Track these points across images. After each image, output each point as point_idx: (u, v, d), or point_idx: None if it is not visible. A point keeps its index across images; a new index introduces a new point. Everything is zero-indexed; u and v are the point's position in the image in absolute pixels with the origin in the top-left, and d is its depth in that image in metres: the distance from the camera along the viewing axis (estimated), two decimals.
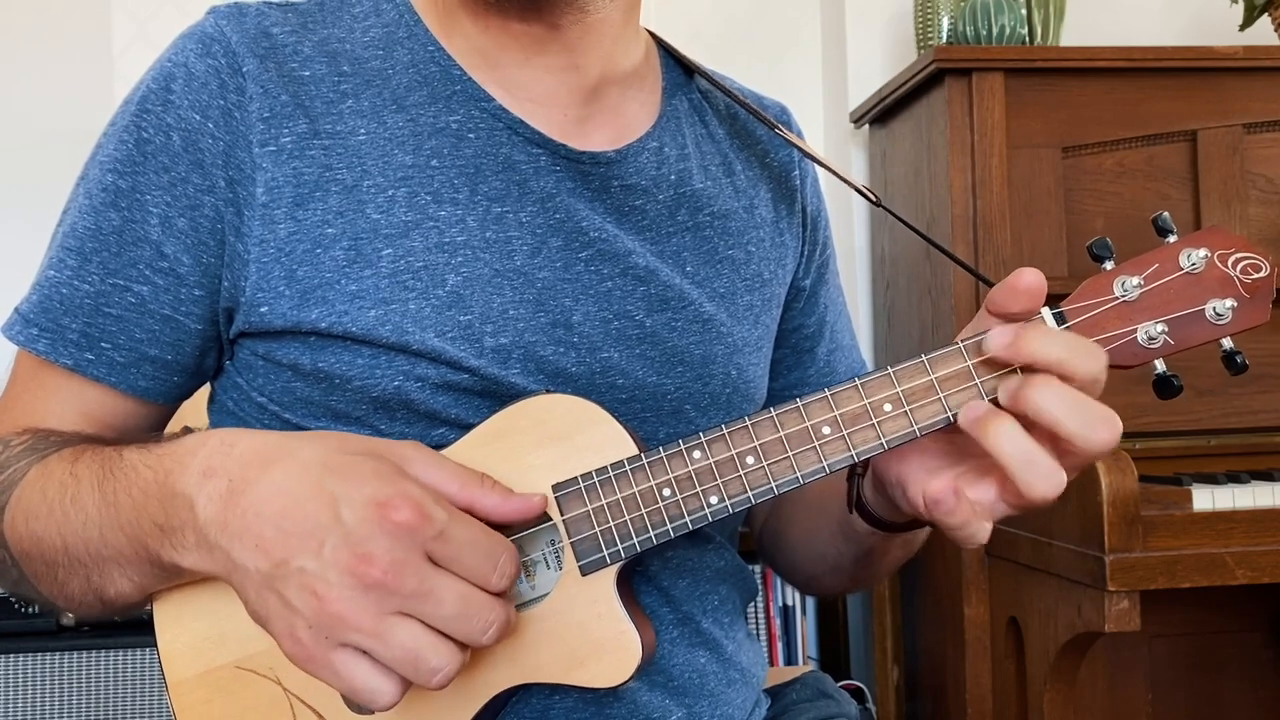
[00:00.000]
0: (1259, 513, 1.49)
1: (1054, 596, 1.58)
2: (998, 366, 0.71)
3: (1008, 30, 1.92)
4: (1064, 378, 0.68)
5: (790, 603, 2.06)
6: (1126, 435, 1.65)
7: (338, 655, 0.63)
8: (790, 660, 2.04)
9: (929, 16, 2.08)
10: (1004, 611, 1.75)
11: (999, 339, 0.69)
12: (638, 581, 0.85)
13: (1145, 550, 1.44)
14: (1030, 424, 0.68)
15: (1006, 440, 0.68)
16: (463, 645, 0.65)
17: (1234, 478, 1.56)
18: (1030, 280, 0.71)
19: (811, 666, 2.01)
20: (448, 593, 0.64)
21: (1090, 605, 1.48)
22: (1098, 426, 0.67)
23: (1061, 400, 0.67)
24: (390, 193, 0.80)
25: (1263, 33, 2.06)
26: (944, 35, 2.06)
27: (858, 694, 2.03)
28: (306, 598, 0.63)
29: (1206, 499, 1.49)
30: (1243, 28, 2.07)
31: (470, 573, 0.65)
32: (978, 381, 0.71)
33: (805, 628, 2.07)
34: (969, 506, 0.70)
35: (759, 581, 2.00)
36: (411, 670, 0.63)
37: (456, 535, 0.65)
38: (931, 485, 0.71)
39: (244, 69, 0.80)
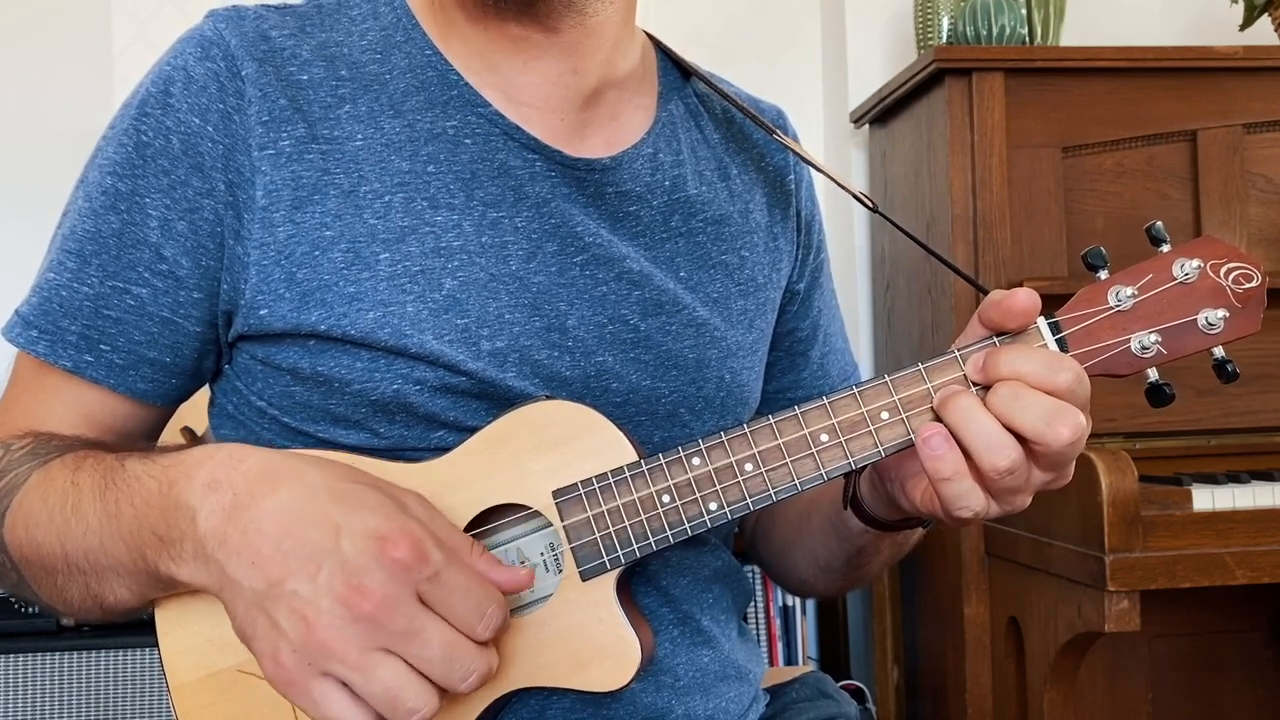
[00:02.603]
0: (1259, 513, 1.49)
1: (1054, 596, 1.58)
2: None
3: (1008, 30, 1.92)
4: (1036, 388, 0.70)
5: (790, 603, 2.06)
6: (1126, 435, 1.67)
7: (317, 683, 0.63)
8: (790, 660, 2.04)
9: (929, 16, 2.08)
10: (1004, 611, 1.75)
11: (974, 364, 0.73)
12: (637, 582, 0.85)
13: (1145, 550, 1.44)
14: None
15: (963, 412, 0.70)
16: (440, 689, 0.65)
17: (1234, 478, 1.56)
18: (1024, 302, 0.72)
19: (811, 667, 2.01)
20: (434, 636, 0.64)
21: (1090, 605, 1.48)
22: (1055, 422, 0.68)
23: (1019, 399, 0.69)
24: (387, 198, 0.80)
25: (1263, 33, 2.06)
26: (944, 35, 2.06)
27: (858, 694, 2.03)
28: (295, 621, 0.63)
29: (1206, 499, 1.50)
30: (1243, 28, 2.07)
31: (457, 619, 0.65)
32: (974, 390, 0.72)
33: (805, 628, 2.07)
34: (959, 457, 0.70)
35: (759, 582, 2.01)
36: (388, 708, 0.63)
37: (450, 580, 0.65)
38: (925, 426, 0.71)
39: (243, 72, 0.80)
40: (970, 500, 0.71)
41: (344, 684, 0.63)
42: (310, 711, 0.64)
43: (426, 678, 0.64)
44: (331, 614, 0.62)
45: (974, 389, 0.72)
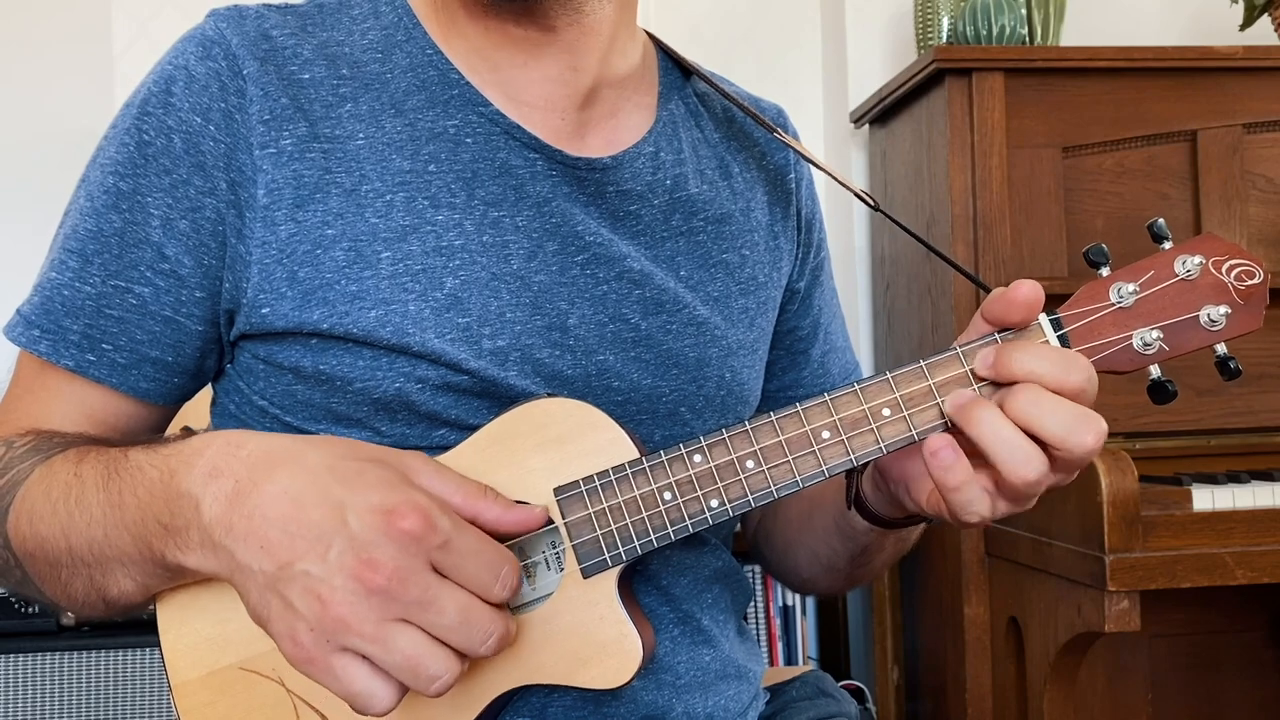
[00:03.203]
0: (1259, 513, 1.49)
1: (1054, 596, 1.58)
2: None
3: (1008, 30, 1.92)
4: (1051, 389, 0.69)
5: (790, 603, 2.06)
6: (1126, 435, 1.68)
7: (337, 659, 0.63)
8: (790, 660, 2.04)
9: (929, 16, 2.08)
10: (1004, 611, 1.75)
11: (983, 359, 0.71)
12: (638, 581, 0.85)
13: (1145, 550, 1.44)
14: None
15: (987, 425, 0.69)
16: (461, 654, 0.65)
17: (1234, 478, 1.56)
18: (1027, 293, 0.71)
19: (811, 666, 2.01)
20: (450, 602, 0.64)
21: (1090, 605, 1.48)
22: (1079, 430, 0.68)
23: (1039, 406, 0.68)
24: (388, 197, 0.80)
25: (1263, 33, 2.06)
26: (944, 35, 2.06)
27: (858, 694, 2.03)
28: (309, 601, 0.63)
29: (1206, 499, 1.50)
30: (1243, 28, 2.07)
31: (472, 583, 0.65)
32: (975, 387, 0.72)
33: (805, 628, 2.07)
34: (967, 466, 0.70)
35: (759, 582, 2.01)
36: (411, 677, 0.63)
37: (460, 545, 0.65)
38: (932, 439, 0.71)
39: (244, 72, 0.80)
40: (979, 506, 0.71)
41: (364, 658, 0.63)
42: (333, 688, 0.64)
43: (446, 644, 0.64)
44: (345, 590, 0.62)
45: (977, 386, 0.72)
